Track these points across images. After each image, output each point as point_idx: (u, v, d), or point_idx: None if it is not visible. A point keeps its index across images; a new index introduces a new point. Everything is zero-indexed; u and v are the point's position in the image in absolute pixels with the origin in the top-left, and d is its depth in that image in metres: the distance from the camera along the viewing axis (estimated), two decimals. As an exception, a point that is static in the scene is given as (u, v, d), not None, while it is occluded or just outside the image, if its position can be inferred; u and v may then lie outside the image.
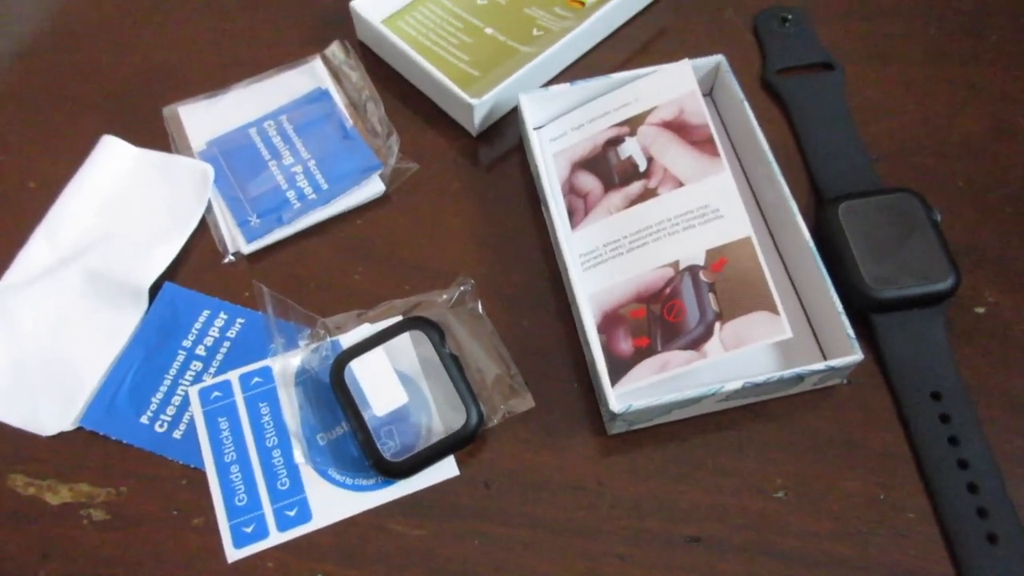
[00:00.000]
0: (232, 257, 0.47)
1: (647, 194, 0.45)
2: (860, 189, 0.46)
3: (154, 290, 0.46)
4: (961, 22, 0.55)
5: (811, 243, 0.43)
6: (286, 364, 0.43)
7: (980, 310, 0.45)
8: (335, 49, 0.53)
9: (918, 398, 0.42)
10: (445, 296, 0.45)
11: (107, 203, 0.49)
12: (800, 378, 0.40)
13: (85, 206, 0.48)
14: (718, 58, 0.49)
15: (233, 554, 0.39)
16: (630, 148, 0.46)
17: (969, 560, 0.38)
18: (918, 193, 0.45)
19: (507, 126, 0.52)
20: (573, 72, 0.53)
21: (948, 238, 0.45)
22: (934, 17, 0.55)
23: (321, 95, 0.52)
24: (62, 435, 0.42)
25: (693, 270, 0.42)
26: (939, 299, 0.43)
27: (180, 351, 0.44)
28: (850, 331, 0.40)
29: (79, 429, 0.43)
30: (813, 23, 0.55)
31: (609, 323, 0.42)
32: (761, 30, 0.54)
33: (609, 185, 0.46)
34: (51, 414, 0.43)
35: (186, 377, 0.44)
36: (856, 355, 0.40)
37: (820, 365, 0.40)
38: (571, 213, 0.46)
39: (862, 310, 0.43)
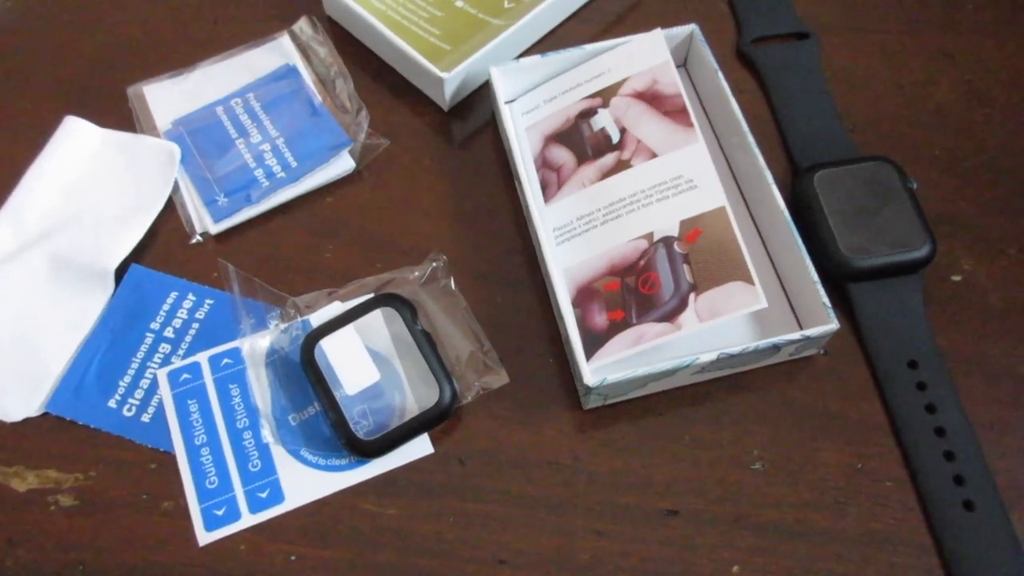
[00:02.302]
0: (200, 238, 0.46)
1: (620, 166, 0.44)
2: (836, 158, 0.46)
3: (120, 272, 0.45)
4: (936, -11, 0.54)
5: (786, 212, 0.42)
6: (256, 345, 0.42)
7: (956, 278, 0.44)
8: (303, 25, 0.52)
9: (894, 367, 0.41)
10: (417, 273, 0.44)
11: (71, 185, 0.47)
12: (776, 348, 0.40)
13: (48, 188, 0.47)
14: (691, 27, 0.48)
15: (204, 537, 0.39)
16: (603, 120, 0.46)
17: (946, 527, 0.38)
18: (893, 161, 0.45)
19: (479, 100, 0.51)
20: (545, 45, 0.53)
21: (924, 206, 0.45)
22: (909, -15, 0.54)
23: (289, 72, 0.51)
24: (28, 421, 0.42)
25: (667, 241, 0.41)
26: (915, 267, 0.43)
27: (148, 334, 0.43)
28: (826, 300, 0.40)
29: (45, 415, 0.42)
30: (788, -8, 0.54)
31: (583, 297, 0.42)
32: (736, 0, 0.54)
33: (582, 158, 0.45)
34: (16, 400, 0.42)
35: (154, 360, 0.43)
36: (832, 324, 0.39)
37: (796, 335, 0.39)
38: (544, 187, 0.46)
39: (838, 279, 0.43)
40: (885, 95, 0.50)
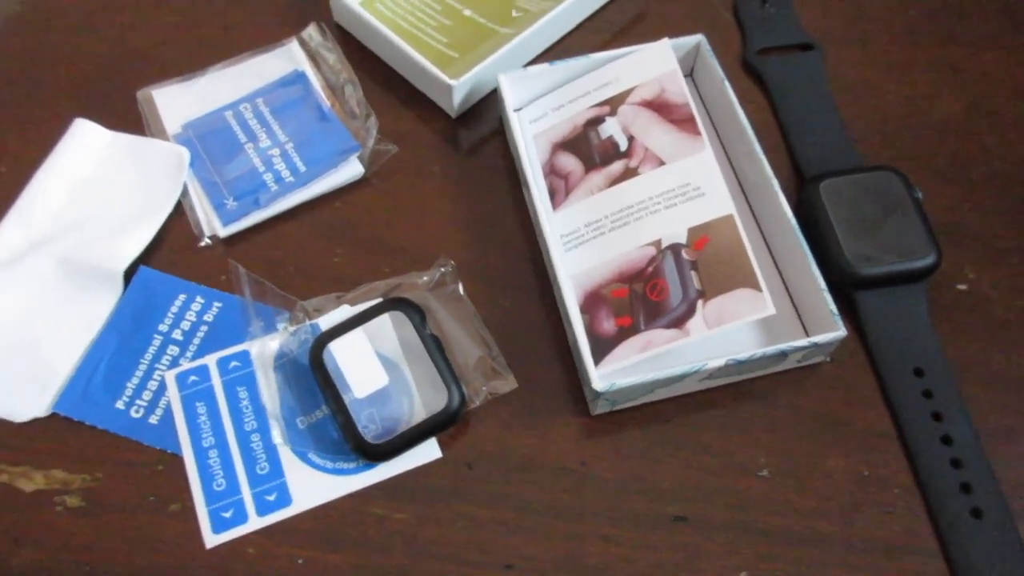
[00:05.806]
0: (208, 240, 0.46)
1: (628, 173, 0.44)
2: (841, 168, 0.46)
3: (129, 275, 0.45)
4: (940, 2, 0.55)
5: (793, 220, 0.42)
6: (264, 347, 0.42)
7: (962, 287, 0.45)
8: (312, 31, 0.53)
9: (901, 374, 0.42)
10: (425, 278, 0.44)
11: (80, 187, 0.48)
12: (783, 355, 0.40)
13: (57, 190, 0.47)
14: (698, 38, 0.48)
15: (212, 539, 0.39)
16: (610, 128, 0.46)
17: (954, 535, 0.38)
18: (899, 171, 0.45)
19: (487, 108, 0.51)
20: (553, 55, 0.53)
21: (930, 216, 0.45)
22: (913, -2, 0.55)
23: (298, 77, 0.51)
24: (36, 421, 0.42)
25: (675, 248, 0.42)
26: (921, 276, 0.43)
27: (156, 336, 0.44)
28: (833, 307, 0.40)
29: (53, 415, 0.42)
30: (793, 4, 0.54)
31: (591, 303, 0.42)
32: (741, 12, 0.54)
33: (590, 165, 0.46)
34: (24, 400, 0.42)
35: (162, 362, 0.43)
36: (839, 331, 0.39)
37: (803, 341, 0.39)
38: (552, 194, 0.46)
39: (845, 287, 0.43)
40: (890, 106, 0.51)
